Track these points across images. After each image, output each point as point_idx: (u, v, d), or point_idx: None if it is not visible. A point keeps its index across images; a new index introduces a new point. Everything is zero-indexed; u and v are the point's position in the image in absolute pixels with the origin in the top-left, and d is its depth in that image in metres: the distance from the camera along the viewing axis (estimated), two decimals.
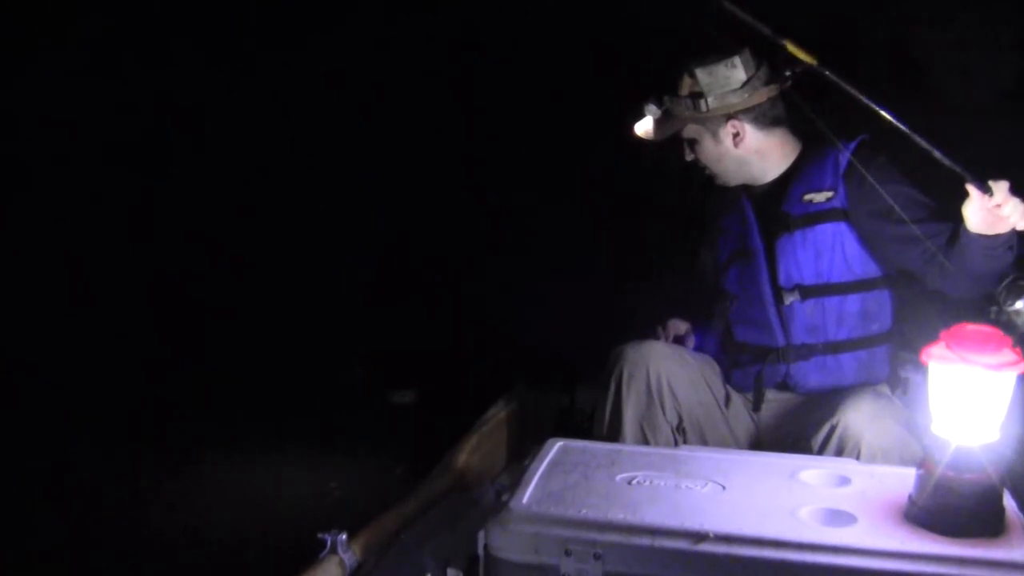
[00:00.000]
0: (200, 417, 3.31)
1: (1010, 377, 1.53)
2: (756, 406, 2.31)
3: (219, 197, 3.87)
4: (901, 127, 1.88)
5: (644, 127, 2.37)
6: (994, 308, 1.93)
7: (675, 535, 1.52)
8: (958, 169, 1.88)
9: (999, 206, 1.88)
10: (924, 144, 1.88)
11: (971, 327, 1.55)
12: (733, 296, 2.36)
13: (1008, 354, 1.52)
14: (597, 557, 1.53)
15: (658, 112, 2.32)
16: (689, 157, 2.37)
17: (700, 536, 1.51)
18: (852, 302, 2.23)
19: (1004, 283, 1.94)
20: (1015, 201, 1.89)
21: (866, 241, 2.21)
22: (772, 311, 2.27)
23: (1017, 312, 1.90)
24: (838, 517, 1.59)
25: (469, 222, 3.74)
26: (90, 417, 3.26)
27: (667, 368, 2.25)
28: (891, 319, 2.28)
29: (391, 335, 3.69)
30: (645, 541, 1.52)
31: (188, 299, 3.78)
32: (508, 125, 3.55)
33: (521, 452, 2.44)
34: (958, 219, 2.00)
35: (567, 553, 1.54)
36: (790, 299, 2.24)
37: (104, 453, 3.06)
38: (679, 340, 2.49)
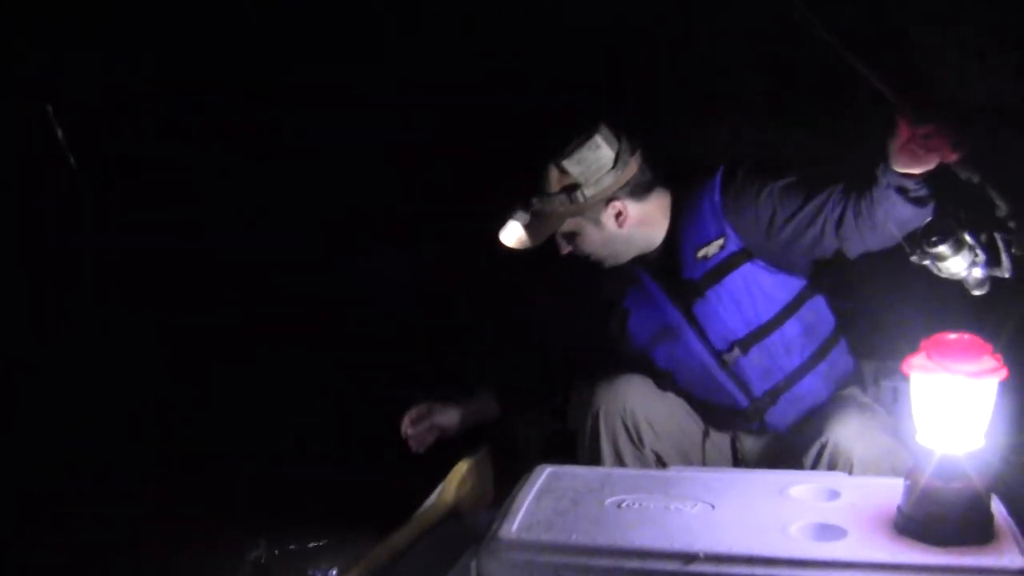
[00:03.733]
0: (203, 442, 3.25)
1: (992, 384, 1.53)
2: (734, 460, 2.27)
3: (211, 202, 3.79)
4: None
5: (514, 236, 2.21)
6: (917, 251, 1.82)
7: (665, 557, 1.52)
8: (886, 91, 1.74)
9: (927, 135, 1.75)
10: (864, 69, 1.74)
11: (951, 336, 1.56)
12: (669, 374, 2.26)
13: (989, 361, 1.53)
14: None
15: (527, 217, 2.18)
16: (566, 251, 2.24)
17: (690, 557, 1.51)
18: (791, 327, 2.16)
19: (925, 223, 1.82)
20: (944, 132, 1.74)
21: (776, 264, 2.13)
22: (722, 376, 2.20)
23: (939, 254, 1.80)
24: (828, 531, 1.59)
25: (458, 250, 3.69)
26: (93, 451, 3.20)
27: (642, 402, 2.19)
28: (832, 314, 2.24)
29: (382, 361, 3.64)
30: (635, 564, 1.52)
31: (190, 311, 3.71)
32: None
33: (514, 478, 2.43)
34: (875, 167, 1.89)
35: None
36: (732, 358, 2.17)
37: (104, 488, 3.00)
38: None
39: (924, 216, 1.87)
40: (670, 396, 2.27)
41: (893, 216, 1.89)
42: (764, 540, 1.55)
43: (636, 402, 2.19)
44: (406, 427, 2.40)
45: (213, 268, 3.47)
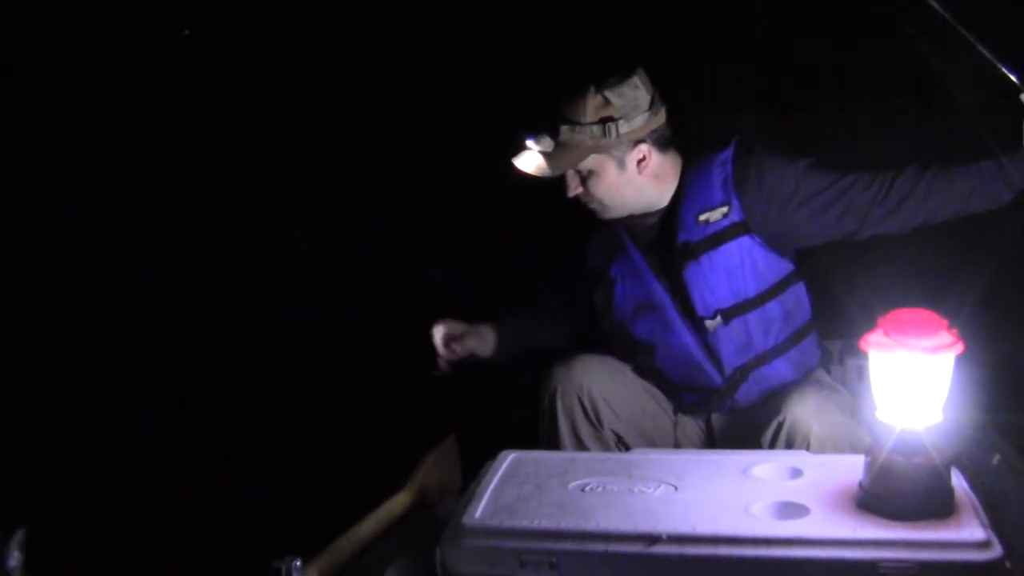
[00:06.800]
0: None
1: (948, 359, 1.54)
2: (708, 440, 2.27)
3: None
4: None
5: (533, 163, 2.11)
6: None
7: (629, 539, 1.53)
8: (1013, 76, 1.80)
9: None
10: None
11: (907, 312, 1.56)
12: (650, 346, 2.24)
13: (945, 336, 1.54)
14: (553, 566, 1.53)
15: (551, 144, 2.08)
16: (577, 191, 2.16)
17: (654, 538, 1.51)
18: (772, 308, 2.16)
19: None
20: None
21: (772, 244, 2.14)
22: (699, 352, 2.18)
23: None
24: (791, 509, 1.59)
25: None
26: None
27: (599, 382, 2.18)
28: (810, 306, 2.26)
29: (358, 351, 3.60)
30: (599, 547, 1.52)
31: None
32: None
33: (482, 466, 2.42)
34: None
35: (522, 564, 1.54)
36: (713, 325, 2.14)
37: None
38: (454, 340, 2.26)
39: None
40: (630, 376, 2.26)
41: (976, 200, 2.01)
42: (727, 520, 1.55)
43: (593, 381, 2.17)
44: (439, 342, 2.24)
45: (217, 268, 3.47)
